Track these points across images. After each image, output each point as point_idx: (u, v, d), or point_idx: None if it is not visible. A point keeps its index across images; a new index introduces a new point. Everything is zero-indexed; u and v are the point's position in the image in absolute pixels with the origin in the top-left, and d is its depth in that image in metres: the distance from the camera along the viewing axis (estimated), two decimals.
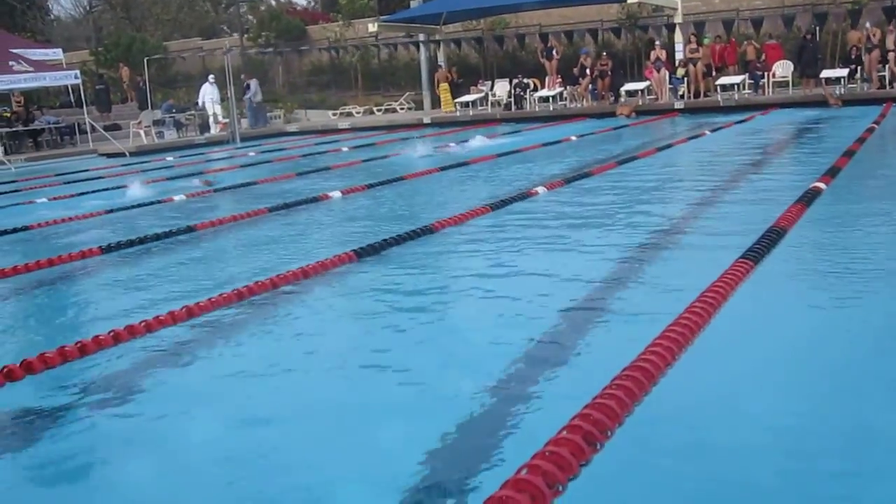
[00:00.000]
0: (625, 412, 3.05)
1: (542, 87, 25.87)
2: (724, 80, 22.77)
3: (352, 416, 3.74)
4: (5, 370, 4.22)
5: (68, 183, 15.69)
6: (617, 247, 6.56)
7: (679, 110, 22.20)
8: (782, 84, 22.49)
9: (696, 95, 23.11)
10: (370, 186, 11.12)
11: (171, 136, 26.01)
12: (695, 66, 23.16)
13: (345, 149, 18.69)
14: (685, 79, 23.32)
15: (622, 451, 2.88)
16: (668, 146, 14.26)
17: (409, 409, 3.75)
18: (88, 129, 24.64)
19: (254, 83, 27.65)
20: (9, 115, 24.67)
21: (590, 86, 24.75)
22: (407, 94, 30.46)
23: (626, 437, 2.92)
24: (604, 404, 3.04)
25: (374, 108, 30.08)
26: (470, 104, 26.20)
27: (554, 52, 26.11)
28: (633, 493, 2.94)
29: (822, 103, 20.19)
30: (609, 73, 24.44)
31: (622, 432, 2.91)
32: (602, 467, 2.72)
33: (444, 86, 27.80)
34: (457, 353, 4.49)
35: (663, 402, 3.28)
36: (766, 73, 22.49)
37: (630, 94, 24.13)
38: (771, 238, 5.78)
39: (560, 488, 2.55)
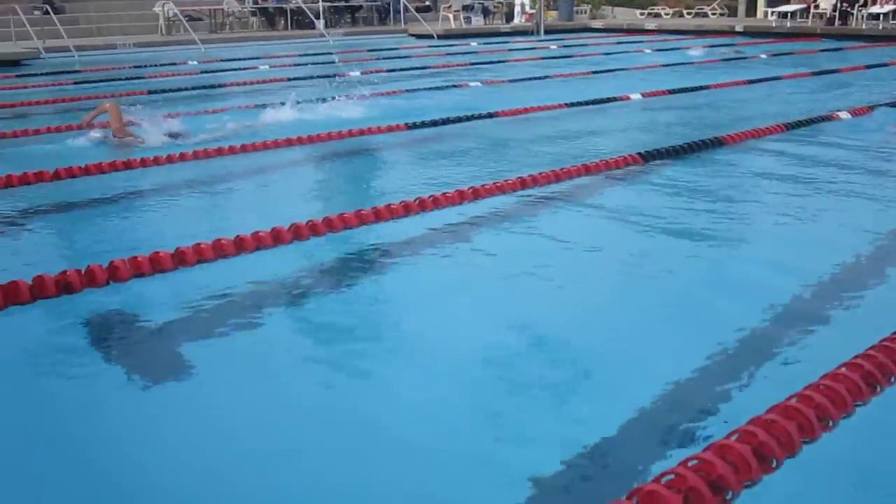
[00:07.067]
0: None
1: (875, 2, 23.60)
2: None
3: (615, 321, 3.76)
4: (292, 228, 4.63)
5: (379, 59, 16.50)
6: None
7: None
8: None
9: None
10: (671, 92, 10.78)
11: (477, 22, 26.46)
12: None
13: (647, 51, 18.16)
14: None
15: None
16: None
17: (671, 322, 3.69)
18: (402, 10, 25.57)
19: None
20: None
21: None
22: None
23: None
24: (890, 348, 2.85)
25: (685, 11, 28.84)
26: (789, 15, 24.40)
27: None
28: None
29: None
30: None
31: None
32: None
33: None
34: (728, 271, 4.33)
35: None
36: None
37: None
38: None
39: (830, 423, 2.44)
